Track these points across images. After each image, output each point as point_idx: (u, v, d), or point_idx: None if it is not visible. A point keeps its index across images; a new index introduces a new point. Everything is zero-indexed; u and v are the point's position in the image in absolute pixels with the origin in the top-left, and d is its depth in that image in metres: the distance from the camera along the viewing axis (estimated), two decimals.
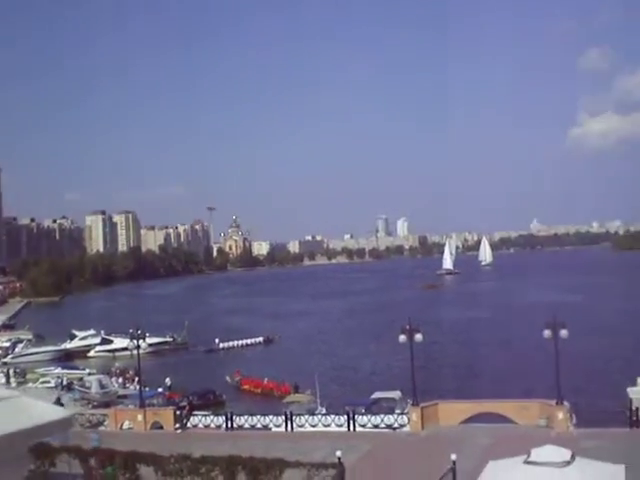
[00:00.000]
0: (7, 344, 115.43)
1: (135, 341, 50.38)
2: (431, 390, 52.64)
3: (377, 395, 52.40)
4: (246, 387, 76.23)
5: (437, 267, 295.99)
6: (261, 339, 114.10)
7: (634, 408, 41.34)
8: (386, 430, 43.47)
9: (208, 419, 48.05)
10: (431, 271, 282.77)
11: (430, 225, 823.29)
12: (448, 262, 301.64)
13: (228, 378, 79.53)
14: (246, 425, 46.26)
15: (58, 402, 51.78)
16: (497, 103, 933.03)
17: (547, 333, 40.40)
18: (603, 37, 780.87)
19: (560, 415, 39.61)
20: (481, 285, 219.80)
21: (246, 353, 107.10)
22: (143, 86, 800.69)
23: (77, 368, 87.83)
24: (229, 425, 46.09)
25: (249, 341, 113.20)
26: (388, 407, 49.14)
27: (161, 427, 46.72)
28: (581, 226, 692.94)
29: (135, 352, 52.42)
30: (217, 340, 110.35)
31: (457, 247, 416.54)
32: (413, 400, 43.40)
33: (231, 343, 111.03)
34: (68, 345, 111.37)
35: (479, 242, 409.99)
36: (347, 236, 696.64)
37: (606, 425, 40.63)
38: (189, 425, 47.37)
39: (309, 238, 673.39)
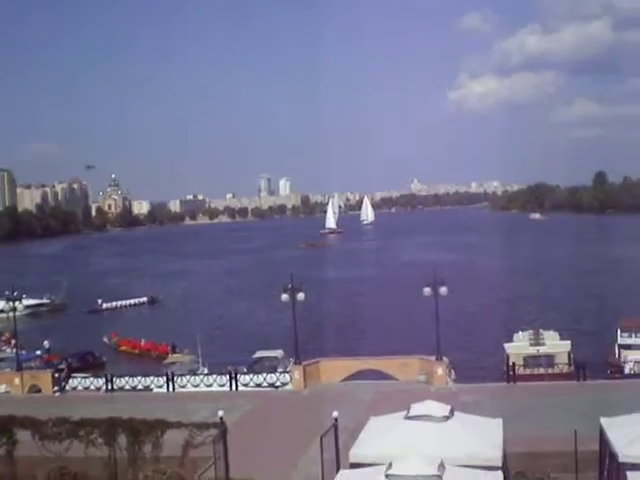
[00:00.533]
0: None
1: (11, 303, 48.81)
2: (313, 349, 52.94)
3: (259, 354, 52.50)
4: (124, 348, 75.83)
5: (320, 226, 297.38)
6: (145, 299, 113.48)
7: (510, 363, 42.62)
8: (268, 389, 43.58)
9: (87, 381, 47.21)
10: (314, 230, 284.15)
11: (312, 185, 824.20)
12: (331, 221, 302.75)
13: (105, 339, 78.65)
14: (127, 387, 45.62)
15: None
16: (377, 65, 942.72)
17: (427, 291, 41.04)
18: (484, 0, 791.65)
19: (439, 371, 40.45)
20: (363, 244, 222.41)
21: (129, 313, 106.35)
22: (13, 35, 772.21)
23: None
24: (109, 387, 45.36)
25: (133, 301, 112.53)
26: (270, 366, 49.34)
27: (39, 390, 45.63)
28: (460, 186, 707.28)
29: (11, 314, 50.92)
30: (100, 301, 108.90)
31: (339, 207, 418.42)
32: (295, 359, 43.61)
33: (114, 303, 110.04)
34: None
35: (361, 202, 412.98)
36: (229, 195, 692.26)
37: (484, 380, 41.81)
38: (68, 388, 46.42)
39: (190, 197, 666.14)
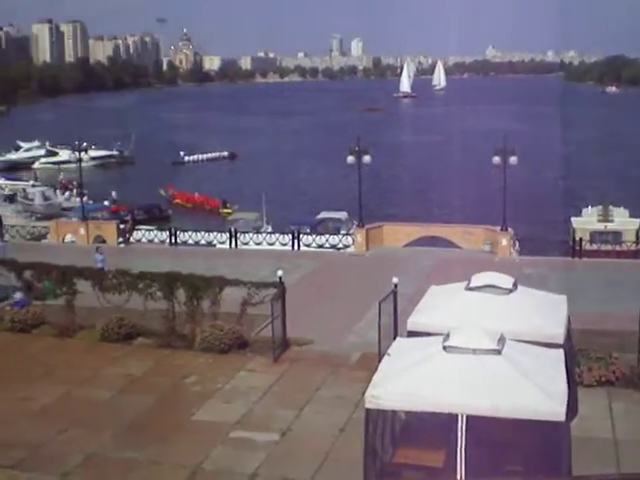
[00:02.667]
0: None
1: (77, 153, 48.92)
2: (377, 213, 52.60)
3: (323, 215, 52.35)
4: (178, 201, 77.11)
5: (391, 89, 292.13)
6: (225, 153, 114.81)
7: (577, 238, 41.74)
8: (330, 250, 43.49)
9: (152, 234, 47.66)
10: (385, 93, 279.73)
11: (385, 47, 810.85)
12: (405, 85, 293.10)
13: (162, 192, 79.51)
14: (190, 241, 45.98)
15: None
16: None
17: (496, 160, 40.05)
18: None
19: (504, 241, 39.82)
20: (434, 110, 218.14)
21: (209, 167, 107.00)
22: None
23: (21, 179, 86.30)
24: (172, 241, 45.74)
25: (213, 155, 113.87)
26: (334, 227, 49.22)
27: (104, 241, 46.11)
28: (536, 54, 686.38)
29: (79, 165, 51.14)
30: (182, 153, 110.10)
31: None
32: (359, 221, 43.30)
33: (196, 156, 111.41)
34: (12, 156, 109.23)
35: (433, 66, 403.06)
36: (301, 54, 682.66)
37: (549, 254, 41.01)
38: (132, 240, 46.93)
39: (262, 55, 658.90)
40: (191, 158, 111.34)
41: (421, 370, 14.56)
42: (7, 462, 17.97)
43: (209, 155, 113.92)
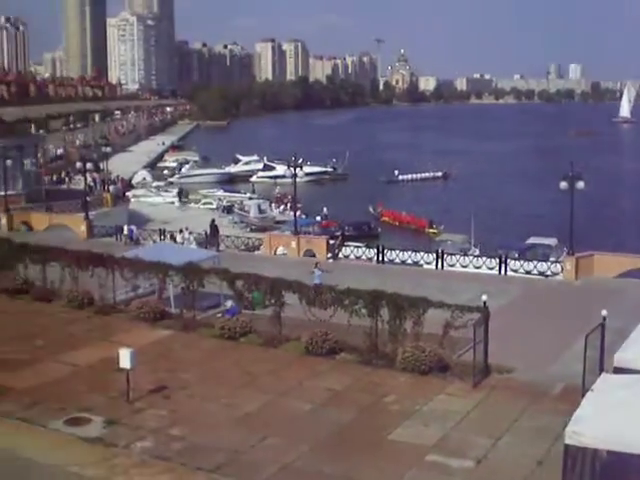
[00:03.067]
0: (174, 164, 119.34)
1: (293, 169, 50.39)
2: (588, 241, 50.90)
3: (532, 240, 51.35)
4: (385, 219, 78.03)
5: (610, 114, 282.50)
6: (440, 173, 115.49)
7: None
8: (538, 277, 42.52)
9: (360, 251, 48.30)
10: (604, 118, 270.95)
11: (604, 71, 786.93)
12: (625, 109, 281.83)
13: (371, 209, 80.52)
14: (397, 260, 46.25)
15: (212, 223, 52.97)
16: None
17: None
18: None
19: None
20: None
21: (422, 186, 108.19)
22: None
23: (238, 192, 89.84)
24: (380, 258, 46.19)
25: (428, 175, 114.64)
26: (542, 254, 48.07)
27: (313, 255, 47.22)
28: None
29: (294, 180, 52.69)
30: (397, 172, 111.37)
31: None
32: (569, 249, 42.14)
33: (410, 176, 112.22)
34: (232, 169, 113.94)
35: None
36: (517, 76, 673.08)
37: None
38: (340, 255, 47.76)
39: (477, 76, 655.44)
40: (405, 177, 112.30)
41: (627, 410, 14.06)
42: (208, 465, 18.74)
43: (423, 175, 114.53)
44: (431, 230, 70.02)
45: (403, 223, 75.95)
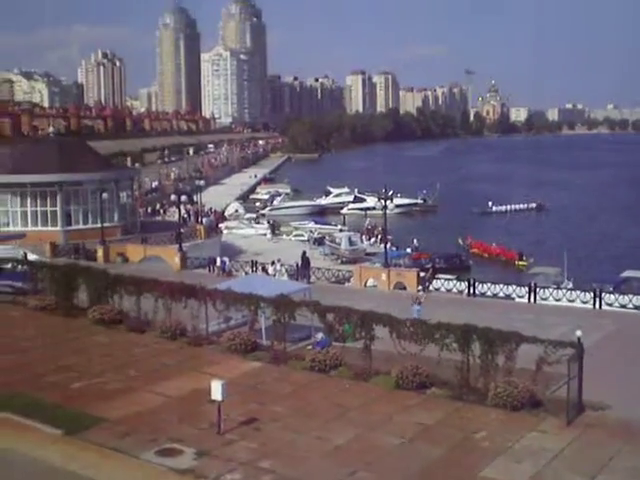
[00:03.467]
0: (266, 196, 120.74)
1: (382, 201, 50.46)
2: None
3: (628, 274, 50.16)
4: (475, 250, 77.73)
5: None
6: (534, 205, 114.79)
7: None
8: (634, 311, 41.52)
9: (451, 283, 47.90)
10: None
11: None
12: None
13: (460, 241, 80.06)
14: (488, 293, 45.72)
15: (304, 255, 53.26)
16: None
17: None
18: None
19: None
20: None
21: (516, 218, 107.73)
22: None
23: (329, 224, 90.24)
24: (471, 291, 45.77)
25: (521, 206, 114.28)
26: (638, 287, 46.94)
27: (404, 288, 47.09)
28: None
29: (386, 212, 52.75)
30: (490, 203, 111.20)
31: None
32: None
33: (504, 207, 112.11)
34: (322, 201, 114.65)
35: None
36: (610, 106, 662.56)
37: None
38: (431, 288, 47.46)
39: (569, 106, 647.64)
40: (499, 208, 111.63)
41: None
42: None
43: (517, 206, 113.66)
44: (521, 262, 69.87)
45: (492, 255, 75.46)
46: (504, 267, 70.07)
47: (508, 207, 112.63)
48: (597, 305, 42.06)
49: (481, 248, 77.48)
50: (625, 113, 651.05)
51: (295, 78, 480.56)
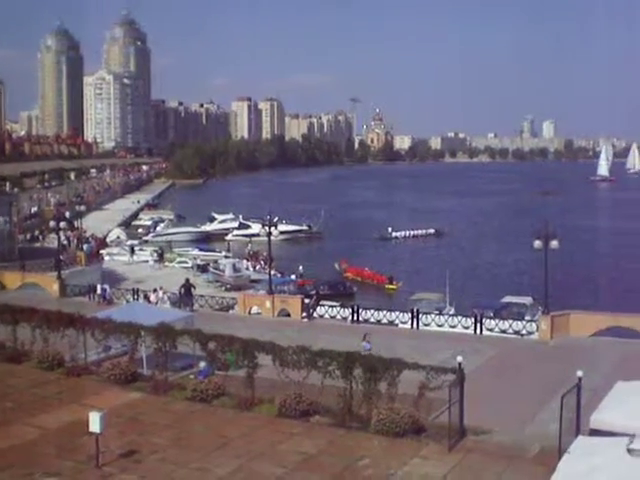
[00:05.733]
0: (149, 222, 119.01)
1: (267, 228, 50.29)
2: (563, 299, 50.97)
3: (507, 299, 51.32)
4: (349, 275, 78.00)
5: (584, 172, 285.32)
6: (432, 231, 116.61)
7: None
8: (514, 336, 42.44)
9: (335, 310, 48.03)
10: (579, 176, 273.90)
11: (577, 128, 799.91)
12: (604, 168, 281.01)
13: (336, 266, 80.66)
14: (372, 319, 46.02)
15: (187, 283, 52.63)
16: None
17: None
18: None
19: None
20: (628, 193, 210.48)
21: (416, 243, 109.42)
22: None
23: (213, 250, 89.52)
24: (355, 318, 45.94)
25: (421, 232, 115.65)
26: (518, 313, 48.04)
27: (288, 315, 46.97)
28: None
29: (269, 238, 52.51)
30: (390, 229, 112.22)
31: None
32: (544, 308, 42.13)
33: (403, 233, 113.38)
34: (207, 227, 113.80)
35: (627, 149, 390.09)
36: (490, 135, 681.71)
37: None
38: (315, 315, 47.47)
39: (451, 135, 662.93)
40: (398, 234, 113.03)
41: (602, 474, 13.86)
42: None
43: (416, 232, 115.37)
44: (390, 286, 71.87)
45: (365, 279, 76.25)
46: (377, 291, 71.43)
47: (407, 233, 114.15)
48: (478, 330, 42.82)
49: (355, 272, 78.21)
50: (505, 142, 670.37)
51: (180, 103, 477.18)
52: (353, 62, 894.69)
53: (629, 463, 13.86)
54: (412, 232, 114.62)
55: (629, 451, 14.07)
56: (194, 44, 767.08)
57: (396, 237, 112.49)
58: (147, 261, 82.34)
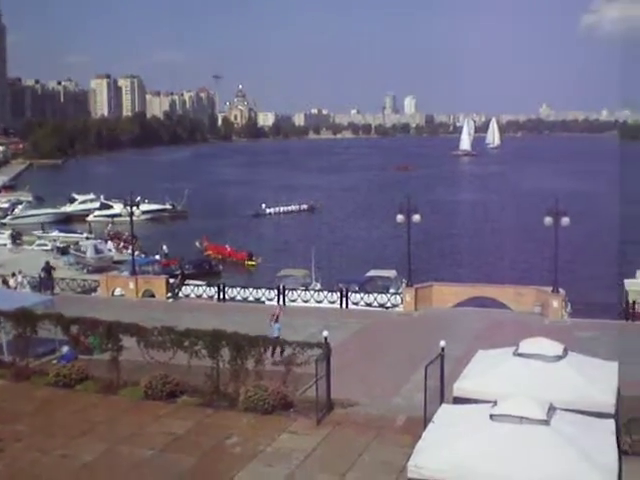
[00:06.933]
0: (6, 205, 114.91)
1: (129, 208, 49.22)
2: (427, 272, 52.13)
3: (372, 273, 51.92)
4: (210, 252, 77.91)
5: (446, 147, 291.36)
6: (305, 206, 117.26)
7: (630, 301, 40.83)
8: (379, 309, 43.01)
9: (200, 289, 47.54)
10: (439, 151, 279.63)
11: (437, 104, 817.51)
12: (466, 143, 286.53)
13: (197, 244, 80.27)
14: (238, 297, 45.81)
15: (47, 265, 51.11)
16: None
17: (548, 220, 39.44)
18: None
19: (555, 303, 39.01)
20: (488, 168, 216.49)
21: (288, 219, 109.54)
22: None
23: (75, 232, 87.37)
24: (221, 297, 45.65)
25: (294, 207, 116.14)
26: (383, 286, 48.73)
27: (153, 295, 46.25)
28: (590, 113, 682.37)
29: (133, 218, 51.44)
30: (263, 205, 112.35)
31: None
32: (408, 280, 42.83)
33: (277, 209, 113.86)
34: (67, 208, 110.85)
35: (487, 124, 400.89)
36: (354, 111, 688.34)
37: (601, 317, 40.14)
38: (181, 295, 46.90)
39: (315, 111, 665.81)
40: (272, 210, 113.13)
41: (466, 440, 14.16)
42: None
43: (289, 208, 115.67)
44: (250, 262, 72.64)
45: (225, 256, 76.15)
46: (237, 267, 71.74)
47: (281, 209, 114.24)
48: (344, 305, 43.20)
49: (215, 250, 77.87)
50: (368, 118, 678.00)
51: (36, 81, 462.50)
52: (215, 39, 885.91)
53: (491, 428, 14.20)
54: (286, 208, 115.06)
55: (491, 417, 14.41)
56: (50, 20, 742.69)
57: (270, 213, 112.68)
58: (5, 244, 79.59)
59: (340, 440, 22.63)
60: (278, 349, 26.95)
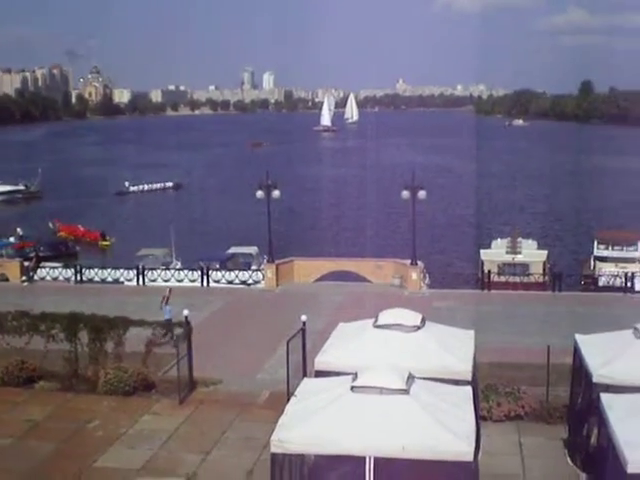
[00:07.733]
0: None
1: None
2: (288, 248, 52.31)
3: (233, 250, 51.75)
4: (62, 233, 76.09)
5: (306, 122, 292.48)
6: (170, 184, 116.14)
7: (486, 270, 42.18)
8: (240, 286, 43.00)
9: (57, 272, 46.33)
10: (303, 127, 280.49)
11: (296, 80, 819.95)
12: (326, 118, 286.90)
13: (50, 225, 78.26)
14: (96, 278, 44.90)
15: None
16: None
17: (405, 194, 40.24)
18: None
19: (414, 275, 39.90)
20: (349, 143, 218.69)
21: (153, 197, 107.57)
22: None
23: None
24: (78, 278, 44.60)
25: (159, 185, 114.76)
26: (244, 263, 48.72)
27: (7, 279, 44.82)
28: (446, 88, 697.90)
29: None
30: (127, 183, 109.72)
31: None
32: (269, 257, 42.93)
33: (141, 187, 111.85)
34: None
35: (345, 99, 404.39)
36: (212, 87, 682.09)
37: (459, 287, 41.34)
38: (36, 278, 45.58)
39: (172, 88, 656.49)
40: (136, 188, 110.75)
41: (328, 412, 14.27)
42: None
43: (154, 185, 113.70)
44: (103, 242, 71.65)
45: (79, 237, 74.58)
46: (90, 247, 70.49)
47: (145, 187, 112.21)
48: (205, 283, 42.97)
49: (68, 231, 76.09)
50: (226, 94, 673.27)
51: None
52: (69, 15, 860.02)
53: (352, 399, 14.36)
54: (150, 186, 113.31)
55: (352, 388, 14.57)
56: None
57: (134, 191, 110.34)
58: None
59: (203, 419, 22.56)
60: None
